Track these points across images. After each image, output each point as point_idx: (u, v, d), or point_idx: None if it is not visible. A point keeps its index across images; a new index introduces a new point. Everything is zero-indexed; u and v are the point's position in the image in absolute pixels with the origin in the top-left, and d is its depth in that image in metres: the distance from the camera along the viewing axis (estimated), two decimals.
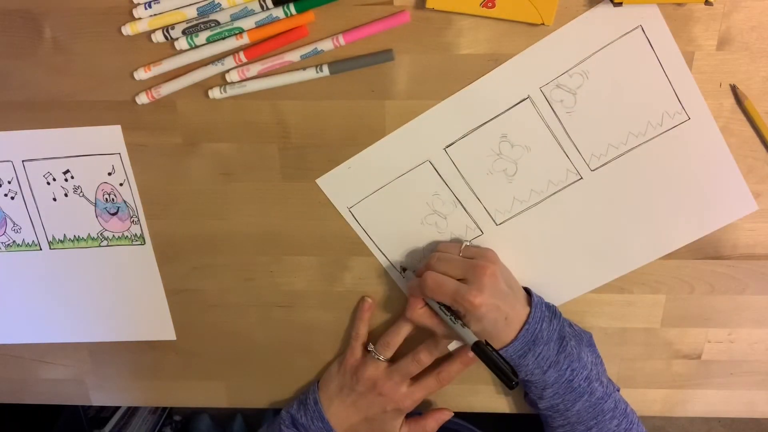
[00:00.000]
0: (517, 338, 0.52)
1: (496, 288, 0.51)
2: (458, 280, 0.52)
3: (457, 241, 0.57)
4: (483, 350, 0.49)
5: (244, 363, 0.65)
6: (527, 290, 0.56)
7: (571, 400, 0.54)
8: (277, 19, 0.50)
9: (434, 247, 0.57)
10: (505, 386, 0.48)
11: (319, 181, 0.56)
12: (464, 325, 0.51)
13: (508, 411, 0.65)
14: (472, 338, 0.50)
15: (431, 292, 0.52)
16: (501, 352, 0.52)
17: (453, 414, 0.62)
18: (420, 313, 0.55)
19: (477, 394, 0.64)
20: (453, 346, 0.59)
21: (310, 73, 0.52)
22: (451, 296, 0.51)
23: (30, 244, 0.61)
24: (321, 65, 0.52)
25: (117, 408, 1.26)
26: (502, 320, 0.51)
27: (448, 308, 0.52)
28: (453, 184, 0.56)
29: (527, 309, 0.54)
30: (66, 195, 0.59)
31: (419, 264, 0.58)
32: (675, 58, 0.50)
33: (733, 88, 0.51)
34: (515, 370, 0.50)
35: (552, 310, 0.55)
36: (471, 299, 0.49)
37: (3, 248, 0.61)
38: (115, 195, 0.58)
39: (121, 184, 0.58)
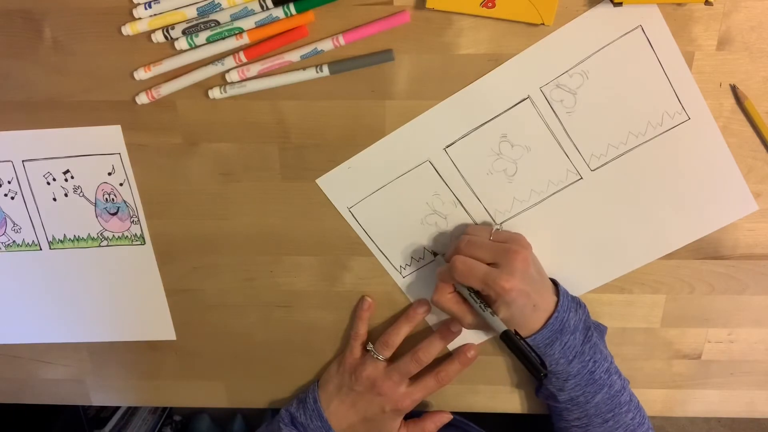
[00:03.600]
0: (546, 326, 0.51)
1: (527, 274, 0.50)
2: (488, 264, 0.51)
3: (485, 225, 0.57)
4: (512, 339, 0.49)
5: (244, 363, 0.65)
6: (553, 281, 0.56)
7: (592, 393, 0.54)
8: (277, 19, 0.50)
9: (462, 231, 0.56)
10: (534, 378, 0.47)
11: (319, 181, 0.56)
12: (493, 313, 0.50)
13: (508, 411, 0.65)
14: (501, 327, 0.50)
15: (461, 275, 0.50)
16: (529, 340, 0.51)
17: (452, 416, 0.62)
18: (447, 298, 0.53)
19: (477, 394, 0.64)
20: (452, 345, 0.59)
21: (310, 73, 0.52)
22: (482, 280, 0.49)
23: (30, 244, 0.61)
24: (321, 65, 0.52)
25: (117, 408, 1.26)
26: (530, 307, 0.51)
27: (479, 296, 0.52)
28: (453, 184, 0.56)
29: (554, 298, 0.53)
30: (66, 195, 0.59)
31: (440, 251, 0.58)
32: (675, 58, 0.50)
33: (733, 88, 0.51)
34: (544, 361, 0.50)
35: (576, 301, 0.55)
36: (502, 283, 0.48)
37: (3, 248, 0.61)
38: (115, 195, 0.58)
39: (121, 184, 0.58)
